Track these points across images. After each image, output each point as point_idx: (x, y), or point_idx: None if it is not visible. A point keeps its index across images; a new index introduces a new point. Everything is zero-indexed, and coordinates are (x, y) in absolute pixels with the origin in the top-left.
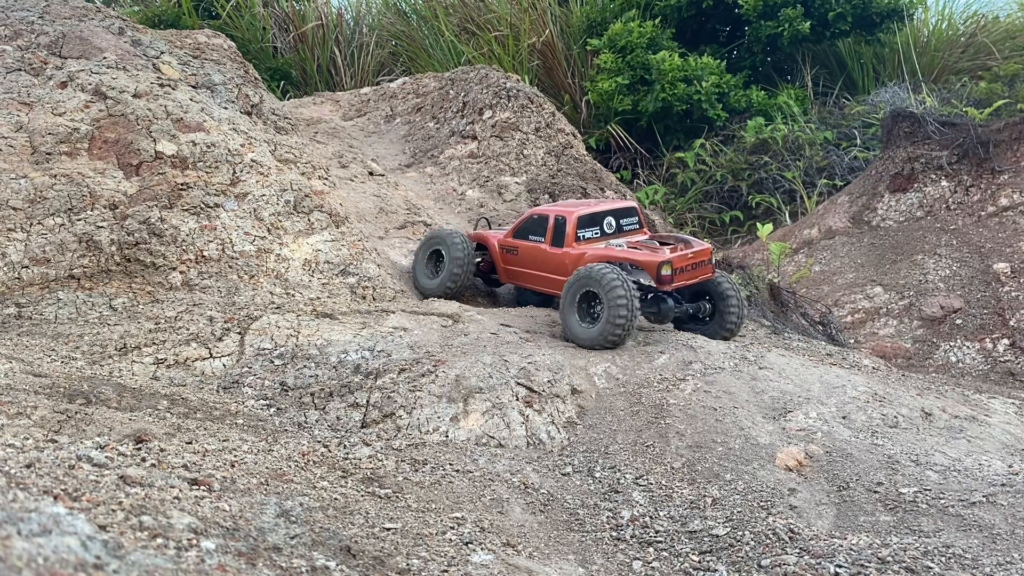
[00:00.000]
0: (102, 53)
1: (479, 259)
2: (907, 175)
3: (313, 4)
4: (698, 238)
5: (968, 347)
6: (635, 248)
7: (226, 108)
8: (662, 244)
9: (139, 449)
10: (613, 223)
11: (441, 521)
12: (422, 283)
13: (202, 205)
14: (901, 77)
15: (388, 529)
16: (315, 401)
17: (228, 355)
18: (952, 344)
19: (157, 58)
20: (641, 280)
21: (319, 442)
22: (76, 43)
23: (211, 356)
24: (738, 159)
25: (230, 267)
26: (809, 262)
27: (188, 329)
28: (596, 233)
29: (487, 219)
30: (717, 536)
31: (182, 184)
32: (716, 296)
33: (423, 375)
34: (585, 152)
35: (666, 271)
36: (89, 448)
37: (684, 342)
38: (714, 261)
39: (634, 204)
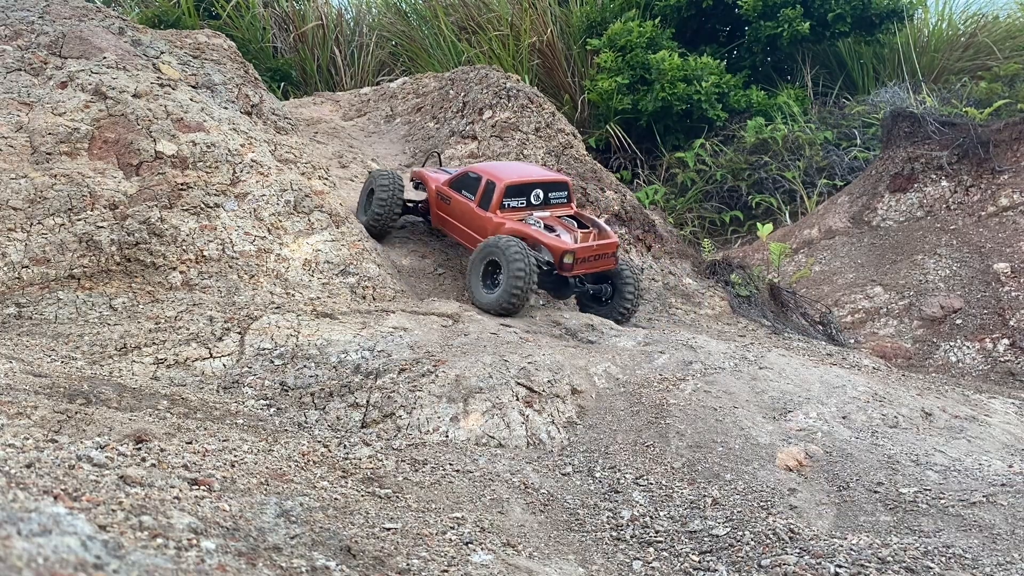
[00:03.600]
0: (102, 53)
1: (421, 199)
2: (907, 175)
3: (313, 4)
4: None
5: (968, 347)
6: (551, 229)
7: (226, 108)
8: (580, 226)
9: (139, 449)
10: (541, 195)
11: (441, 521)
12: (359, 218)
13: (202, 205)
14: (901, 77)
15: (388, 529)
16: (315, 401)
17: (228, 355)
18: (952, 344)
19: (157, 58)
20: (546, 260)
21: (319, 442)
22: (76, 43)
23: (211, 356)
24: (738, 159)
25: (230, 267)
26: (809, 262)
27: (188, 329)
28: (522, 203)
29: (438, 154)
30: (717, 536)
31: (182, 184)
32: (616, 281)
33: (423, 375)
34: (585, 152)
35: (568, 259)
36: (89, 448)
37: (684, 342)
38: (618, 254)
39: (566, 179)
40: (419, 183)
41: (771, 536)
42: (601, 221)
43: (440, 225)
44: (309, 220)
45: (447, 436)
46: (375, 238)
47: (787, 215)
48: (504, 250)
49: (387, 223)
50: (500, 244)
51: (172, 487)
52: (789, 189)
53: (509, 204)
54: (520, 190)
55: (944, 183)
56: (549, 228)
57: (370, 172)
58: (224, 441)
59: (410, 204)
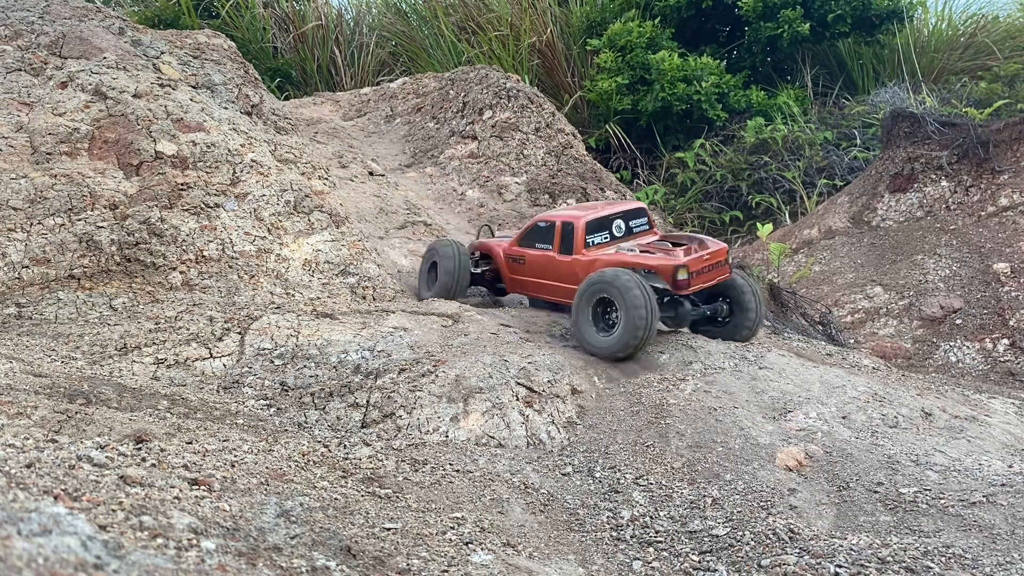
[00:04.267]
0: (102, 53)
1: (485, 268)
2: (907, 175)
3: (313, 4)
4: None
5: (968, 347)
6: (648, 252)
7: (226, 108)
8: (675, 245)
9: (139, 449)
10: (623, 226)
11: (441, 521)
12: (422, 295)
13: (202, 205)
14: (901, 77)
15: (388, 529)
16: (315, 401)
17: (228, 355)
18: (952, 344)
19: (157, 58)
20: (657, 285)
21: (319, 442)
22: (76, 43)
23: (211, 356)
24: (738, 159)
25: (230, 267)
26: (809, 262)
27: (188, 329)
28: (606, 238)
29: (489, 226)
30: (717, 536)
31: (182, 184)
32: (733, 296)
33: (423, 375)
34: (585, 152)
35: (682, 275)
36: (89, 448)
37: (684, 342)
38: (731, 260)
39: (643, 205)
40: (483, 255)
41: (771, 536)
42: (696, 234)
43: (519, 290)
44: (309, 220)
45: (447, 436)
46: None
47: (787, 215)
48: (615, 282)
49: (458, 295)
50: (608, 277)
51: (172, 487)
52: (789, 189)
53: (593, 241)
54: (601, 224)
55: (944, 183)
56: (646, 253)
57: (430, 245)
58: (224, 441)
59: (475, 274)
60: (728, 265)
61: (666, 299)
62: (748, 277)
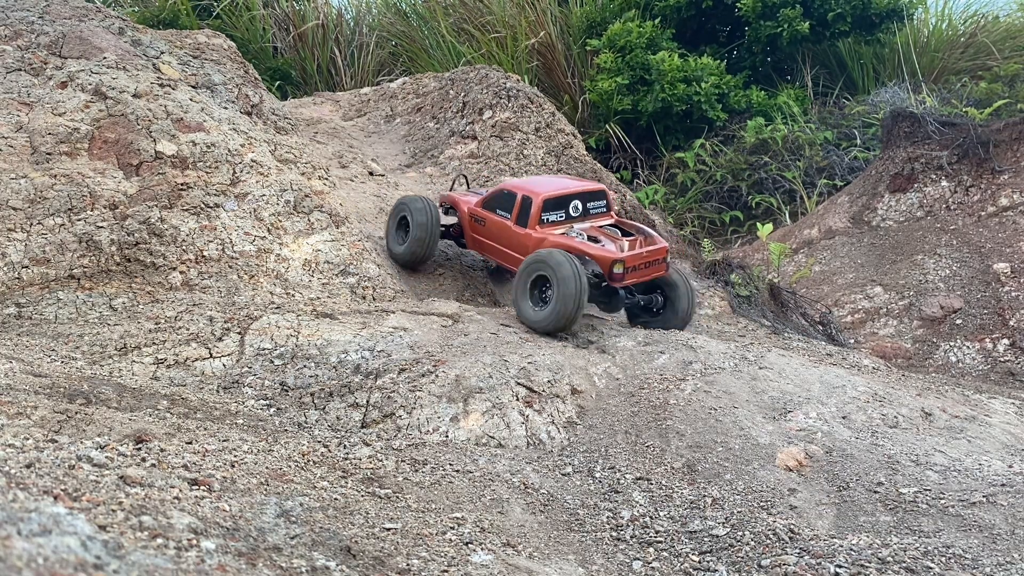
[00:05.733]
0: (102, 53)
1: (451, 223)
2: (907, 175)
3: (313, 4)
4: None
5: (968, 347)
6: (595, 239)
7: (226, 108)
8: (624, 234)
9: (139, 449)
10: (580, 206)
11: (441, 521)
12: (393, 250)
13: (202, 205)
14: (901, 77)
15: (388, 529)
16: (315, 401)
17: (228, 355)
18: (952, 344)
19: (157, 58)
20: (594, 271)
21: (319, 442)
22: (76, 43)
23: (211, 356)
24: (738, 159)
25: (230, 267)
26: (809, 262)
27: (188, 329)
28: (561, 216)
29: (465, 177)
30: (717, 536)
31: (182, 184)
32: (667, 291)
33: (423, 375)
34: (585, 152)
35: (618, 269)
36: (89, 448)
37: (684, 342)
38: (668, 259)
39: (603, 187)
40: (449, 207)
41: (771, 536)
42: (646, 227)
43: (477, 249)
44: (309, 220)
45: (447, 436)
46: (409, 268)
47: (787, 215)
48: (553, 265)
49: (429, 252)
50: (548, 258)
51: (172, 487)
52: (789, 189)
53: (548, 219)
54: (558, 202)
55: (944, 183)
56: (593, 239)
57: (399, 200)
58: (224, 441)
59: (443, 228)
60: (665, 263)
61: (603, 284)
62: (684, 275)
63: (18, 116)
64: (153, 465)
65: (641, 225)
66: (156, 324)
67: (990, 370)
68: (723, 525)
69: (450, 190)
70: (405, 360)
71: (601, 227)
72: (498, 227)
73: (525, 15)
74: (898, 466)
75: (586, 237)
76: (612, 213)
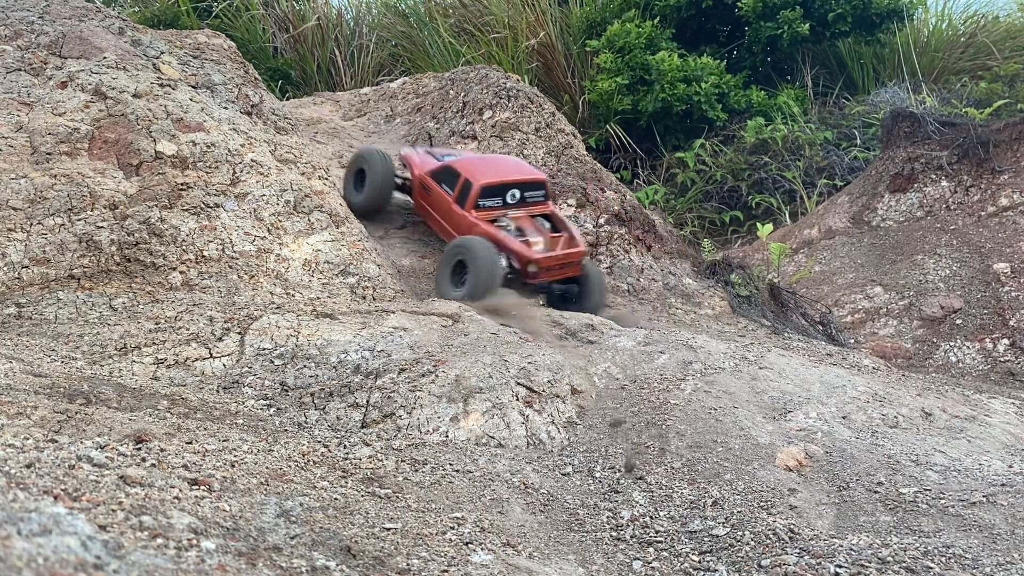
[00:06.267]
0: (102, 53)
1: (405, 179)
2: (907, 175)
3: (313, 4)
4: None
5: (968, 347)
6: (521, 234)
7: (226, 108)
8: (554, 230)
9: (139, 449)
10: (517, 195)
11: (441, 521)
12: (348, 198)
13: (202, 205)
14: (901, 77)
15: (388, 529)
16: (315, 401)
17: (228, 355)
18: (952, 344)
19: (157, 58)
20: (511, 264)
21: (319, 442)
22: (76, 43)
23: (211, 356)
24: (738, 159)
25: (230, 267)
26: (809, 262)
27: (188, 329)
28: (498, 203)
29: (431, 135)
30: (717, 536)
31: (182, 184)
32: (582, 284)
33: (423, 375)
34: (585, 152)
35: (532, 268)
36: (89, 448)
37: (684, 342)
38: (583, 263)
39: (543, 178)
40: (404, 166)
41: (771, 536)
42: (573, 227)
43: (420, 212)
44: (309, 220)
45: (447, 436)
46: (364, 217)
47: (787, 215)
48: (472, 255)
49: (382, 203)
50: (470, 247)
51: (172, 487)
52: (789, 189)
53: (484, 204)
54: (496, 190)
55: (944, 183)
56: (521, 230)
57: (359, 150)
58: (224, 441)
59: (398, 180)
60: (579, 266)
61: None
62: (597, 269)
63: (18, 116)
64: (153, 465)
65: (570, 224)
66: (156, 324)
67: (990, 370)
68: (723, 525)
69: (412, 146)
70: (405, 360)
71: (534, 218)
72: (440, 200)
73: (525, 16)
74: (898, 466)
75: (515, 228)
76: (549, 204)
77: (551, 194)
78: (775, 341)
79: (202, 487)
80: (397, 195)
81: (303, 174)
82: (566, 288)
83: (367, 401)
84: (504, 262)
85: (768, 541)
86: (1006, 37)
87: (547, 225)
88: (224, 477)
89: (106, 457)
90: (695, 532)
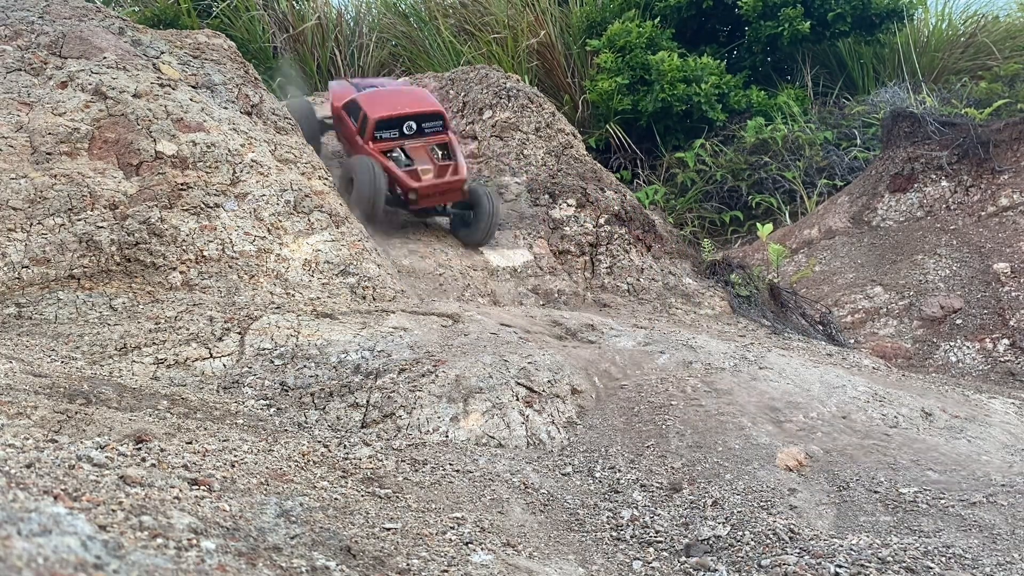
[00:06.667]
0: (102, 53)
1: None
2: (907, 175)
3: (313, 4)
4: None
5: (968, 347)
6: (409, 162)
7: (226, 108)
8: (445, 157)
9: (139, 449)
10: (414, 126)
11: (441, 521)
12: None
13: (202, 205)
14: (901, 77)
15: (388, 529)
16: (315, 401)
17: (228, 355)
18: (952, 344)
19: (157, 58)
20: (397, 190)
21: (319, 442)
22: (76, 43)
23: (211, 356)
24: (738, 159)
25: (230, 267)
26: (810, 262)
27: (188, 329)
28: (395, 134)
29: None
30: (717, 536)
31: (182, 184)
32: (475, 207)
33: (423, 375)
34: (585, 152)
35: (412, 196)
36: (89, 448)
37: (684, 342)
38: (465, 188)
39: (440, 110)
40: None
41: (771, 536)
42: (461, 156)
43: (340, 143)
44: (309, 220)
45: (447, 436)
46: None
47: (787, 215)
48: (356, 170)
49: (312, 147)
50: (355, 163)
51: (172, 487)
52: (789, 189)
53: (381, 136)
54: (391, 123)
55: (944, 183)
56: (411, 160)
57: (285, 106)
58: (224, 441)
59: (328, 121)
60: (461, 192)
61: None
62: (491, 196)
63: (18, 116)
64: (153, 465)
65: (460, 153)
66: (156, 324)
67: (990, 370)
68: (723, 525)
69: (340, 79)
70: (405, 360)
71: (430, 148)
72: (349, 132)
73: (525, 15)
74: (898, 466)
75: (405, 156)
76: (448, 134)
77: (449, 125)
78: (775, 341)
79: (202, 487)
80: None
81: (303, 174)
82: (463, 213)
83: (367, 401)
84: (382, 178)
85: (768, 541)
86: (1006, 37)
87: (439, 155)
88: (224, 477)
89: (106, 457)
90: (695, 532)
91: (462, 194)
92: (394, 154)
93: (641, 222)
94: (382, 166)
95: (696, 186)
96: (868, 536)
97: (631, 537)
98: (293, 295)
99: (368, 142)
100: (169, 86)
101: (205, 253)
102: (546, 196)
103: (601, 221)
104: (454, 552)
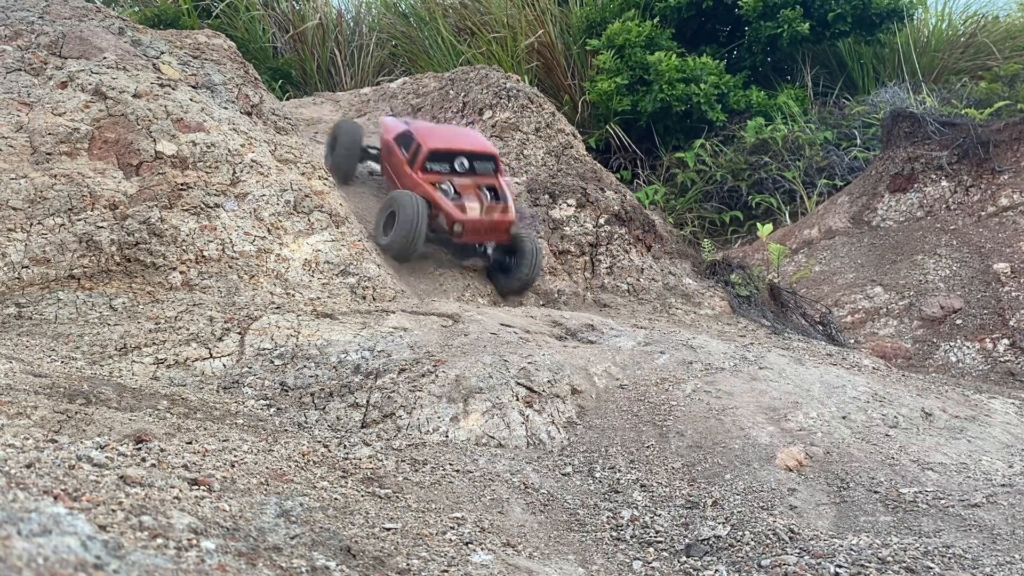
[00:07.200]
0: (102, 53)
1: (377, 147)
2: (907, 175)
3: (313, 4)
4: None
5: (968, 347)
6: (457, 197)
7: (226, 108)
8: (495, 198)
9: (139, 449)
10: (465, 163)
11: (441, 521)
12: (327, 163)
13: (202, 205)
14: (901, 77)
15: (388, 529)
16: (315, 401)
17: (228, 355)
18: (952, 344)
19: (157, 58)
20: (441, 223)
21: (319, 442)
22: (76, 43)
23: (211, 356)
24: (738, 159)
25: (230, 267)
26: (810, 262)
27: (188, 329)
28: (445, 168)
29: (417, 109)
30: (717, 536)
31: (182, 184)
32: (518, 255)
33: (423, 375)
34: (585, 152)
35: (457, 228)
36: (89, 448)
37: (684, 342)
38: (512, 231)
39: (492, 151)
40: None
41: (771, 536)
42: (511, 198)
43: (383, 174)
44: (309, 220)
45: (447, 436)
46: (342, 182)
47: (787, 215)
48: (399, 204)
49: (350, 168)
50: (399, 199)
51: (172, 487)
52: (789, 189)
53: (432, 167)
54: (443, 156)
55: (944, 183)
56: (459, 195)
57: (336, 123)
58: (224, 441)
59: (372, 150)
60: (507, 234)
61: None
62: (536, 245)
63: (18, 116)
64: (153, 465)
65: (510, 195)
66: (156, 324)
67: (990, 370)
68: (723, 525)
69: (393, 116)
70: (405, 360)
71: (478, 186)
72: (398, 161)
73: (525, 15)
74: (898, 466)
75: (453, 191)
76: (499, 177)
77: (501, 169)
78: (775, 341)
79: (202, 487)
80: (373, 167)
81: (303, 174)
82: (503, 257)
83: (367, 401)
84: (424, 215)
85: (768, 541)
86: (1006, 37)
87: (488, 195)
88: (224, 477)
89: (106, 457)
90: (695, 532)
91: (508, 236)
92: (443, 186)
93: (641, 222)
94: (429, 197)
95: (696, 186)
96: (868, 536)
97: (631, 537)
98: (293, 295)
99: (417, 171)
100: (169, 86)
101: (205, 253)
102: (546, 196)
103: (601, 221)
104: (454, 552)
